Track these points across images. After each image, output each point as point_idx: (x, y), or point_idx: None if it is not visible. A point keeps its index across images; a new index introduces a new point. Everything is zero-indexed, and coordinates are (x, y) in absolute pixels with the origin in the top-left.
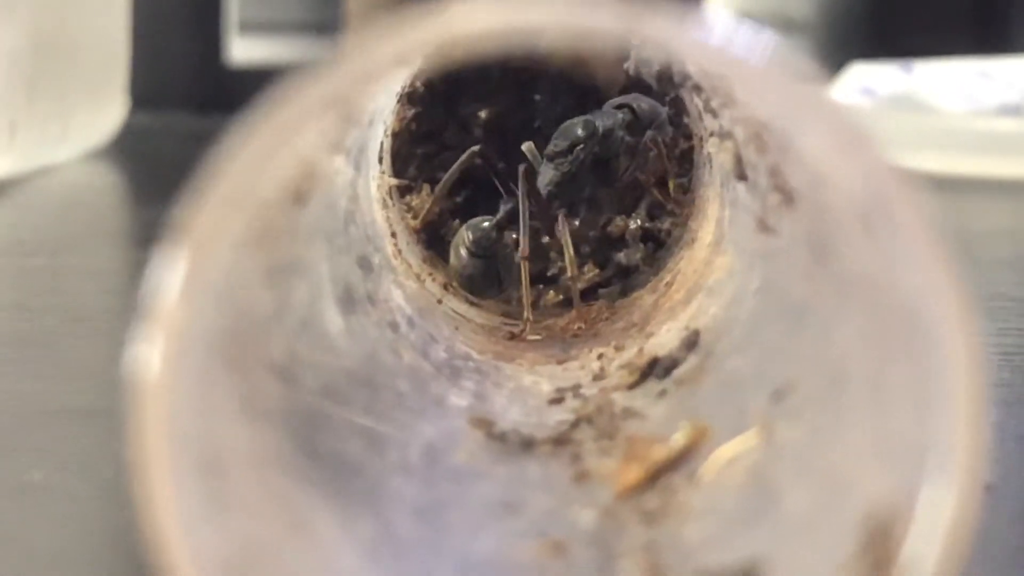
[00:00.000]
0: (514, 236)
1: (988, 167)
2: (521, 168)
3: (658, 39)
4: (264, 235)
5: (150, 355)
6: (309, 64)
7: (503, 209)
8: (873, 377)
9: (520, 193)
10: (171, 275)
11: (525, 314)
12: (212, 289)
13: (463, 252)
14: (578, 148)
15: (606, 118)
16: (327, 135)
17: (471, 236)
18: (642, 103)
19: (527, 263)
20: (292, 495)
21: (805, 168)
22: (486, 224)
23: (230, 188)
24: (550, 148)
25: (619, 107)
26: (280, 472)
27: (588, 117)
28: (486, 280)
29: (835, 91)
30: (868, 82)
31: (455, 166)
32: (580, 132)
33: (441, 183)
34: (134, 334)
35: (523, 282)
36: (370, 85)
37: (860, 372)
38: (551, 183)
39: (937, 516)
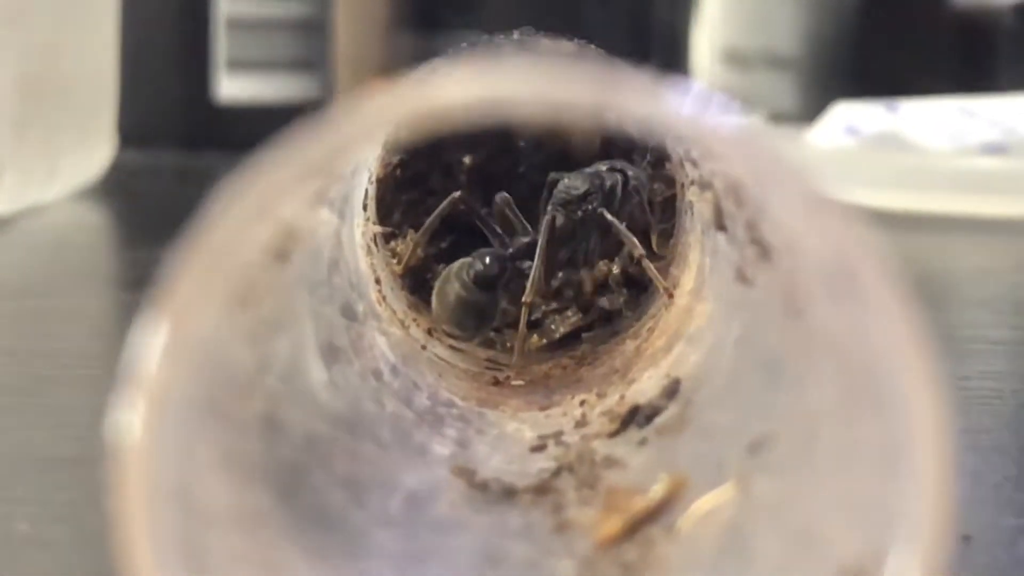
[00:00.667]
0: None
1: (971, 206)
2: (546, 218)
3: (631, 111)
4: (247, 295)
5: (132, 421)
6: (291, 134)
7: (519, 242)
8: (843, 436)
9: (542, 240)
10: (152, 342)
11: (515, 358)
12: (194, 353)
13: (456, 285)
14: (590, 197)
15: (610, 176)
16: (310, 191)
17: (478, 266)
18: (629, 170)
19: (528, 308)
20: (273, 549)
21: (779, 226)
22: (490, 258)
23: (211, 255)
24: (560, 196)
25: (612, 169)
26: (261, 526)
27: (590, 171)
28: (480, 316)
29: (816, 133)
30: (852, 121)
31: (436, 212)
32: (591, 184)
33: (423, 228)
34: (116, 400)
35: (520, 326)
36: (350, 155)
37: (831, 430)
38: (562, 228)
39: None
